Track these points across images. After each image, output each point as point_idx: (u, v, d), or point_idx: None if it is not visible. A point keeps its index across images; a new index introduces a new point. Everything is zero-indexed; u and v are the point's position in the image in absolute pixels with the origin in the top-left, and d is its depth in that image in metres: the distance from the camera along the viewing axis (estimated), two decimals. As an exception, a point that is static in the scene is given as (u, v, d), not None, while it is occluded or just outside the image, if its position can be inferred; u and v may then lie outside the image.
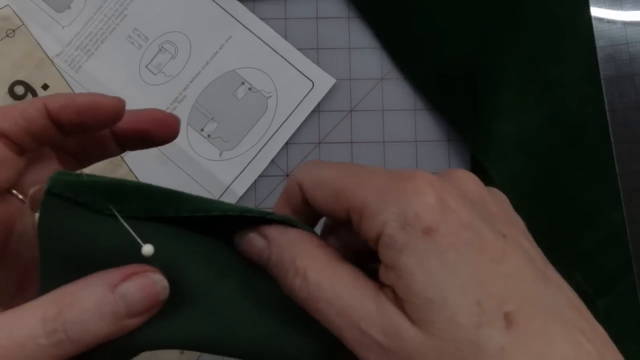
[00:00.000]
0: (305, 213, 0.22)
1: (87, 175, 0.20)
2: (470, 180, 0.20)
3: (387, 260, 0.18)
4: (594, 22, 0.44)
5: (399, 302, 0.18)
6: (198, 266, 0.21)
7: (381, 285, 0.19)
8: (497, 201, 0.21)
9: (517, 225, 0.21)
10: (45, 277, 0.20)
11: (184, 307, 0.21)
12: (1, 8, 0.43)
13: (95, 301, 0.18)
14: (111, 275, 0.19)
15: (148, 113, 0.25)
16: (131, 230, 0.19)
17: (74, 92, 0.43)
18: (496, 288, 0.17)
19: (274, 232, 0.21)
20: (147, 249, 0.19)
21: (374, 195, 0.19)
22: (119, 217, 0.20)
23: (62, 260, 0.20)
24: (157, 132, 0.25)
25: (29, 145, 0.22)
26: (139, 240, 0.19)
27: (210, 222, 0.21)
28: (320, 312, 0.19)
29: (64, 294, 0.19)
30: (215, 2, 0.44)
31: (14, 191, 0.22)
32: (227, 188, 0.43)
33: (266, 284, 0.22)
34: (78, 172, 0.20)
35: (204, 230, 0.22)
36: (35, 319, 0.18)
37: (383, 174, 0.19)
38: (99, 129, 0.24)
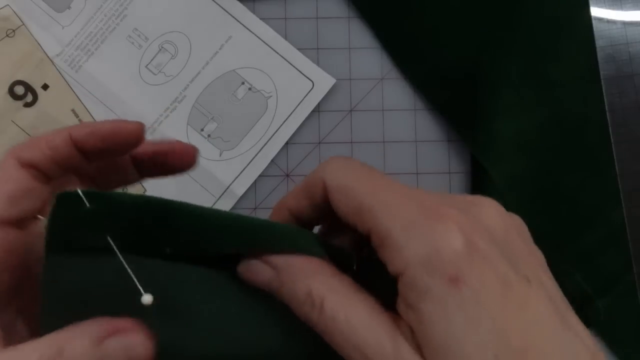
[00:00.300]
0: (321, 208, 0.22)
1: (87, 194, 0.20)
2: (495, 213, 0.20)
3: (407, 300, 0.18)
4: (594, 22, 0.44)
5: (416, 341, 0.18)
6: (199, 298, 0.21)
7: (398, 316, 0.19)
8: (520, 232, 0.21)
9: (538, 261, 0.20)
10: (47, 315, 0.20)
11: (185, 342, 0.21)
12: (1, 8, 0.43)
13: (81, 354, 0.19)
14: (99, 328, 0.19)
15: (169, 143, 0.26)
16: (133, 276, 0.20)
17: (73, 92, 0.43)
18: (516, 340, 0.17)
19: (282, 260, 0.21)
20: (147, 299, 0.20)
21: (401, 227, 0.18)
22: (123, 262, 0.20)
23: (64, 298, 0.20)
24: (176, 159, 0.26)
25: (55, 173, 0.23)
26: (140, 287, 0.20)
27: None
28: (337, 345, 0.19)
29: (59, 339, 0.19)
30: (215, 2, 0.45)
31: (40, 216, 0.23)
32: (227, 188, 0.43)
33: (270, 306, 0.21)
34: (80, 191, 0.20)
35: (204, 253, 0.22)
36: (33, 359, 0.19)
37: (413, 204, 0.19)
38: (121, 153, 0.25)
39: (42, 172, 0.23)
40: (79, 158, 0.23)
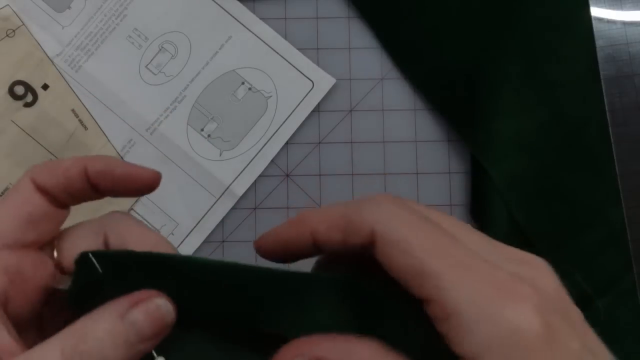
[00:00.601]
0: (356, 249, 0.20)
1: (103, 256, 0.20)
2: (550, 275, 0.19)
3: None
4: (594, 22, 0.44)
5: None
6: None
7: None
8: (565, 291, 0.20)
9: (583, 319, 0.20)
10: None
11: None
12: (1, 8, 0.43)
13: (107, 331, 0.19)
14: (120, 304, 0.20)
15: (133, 169, 0.24)
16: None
17: (73, 92, 0.43)
18: None
19: (333, 353, 0.18)
20: None
21: (471, 304, 0.17)
22: None
23: None
24: (140, 187, 0.24)
25: (67, 201, 0.23)
26: (153, 352, 0.20)
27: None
28: None
29: (80, 326, 0.19)
30: (215, 2, 0.45)
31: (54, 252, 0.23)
32: (227, 188, 0.43)
33: None
34: (93, 253, 0.20)
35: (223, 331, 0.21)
36: (55, 353, 0.19)
37: (484, 277, 0.17)
38: (132, 196, 0.24)
39: (55, 198, 0.23)
40: (91, 191, 0.23)
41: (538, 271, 0.19)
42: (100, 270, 0.20)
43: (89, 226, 0.24)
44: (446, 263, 0.18)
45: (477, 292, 0.17)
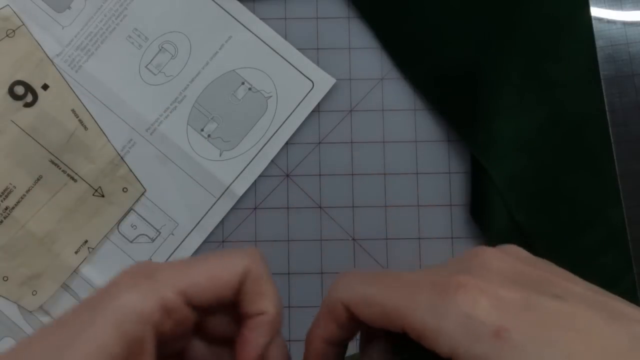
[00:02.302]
0: (351, 325, 0.23)
1: None
2: (496, 255, 0.21)
3: None
4: (594, 22, 0.44)
5: None
6: None
7: None
8: (526, 260, 0.21)
9: (555, 272, 0.21)
10: None
11: None
12: (1, 8, 0.43)
13: None
14: None
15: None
16: None
17: (73, 92, 0.43)
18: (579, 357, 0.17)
19: None
20: None
21: (430, 314, 0.19)
22: None
23: None
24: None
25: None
26: None
27: None
28: None
29: None
30: (215, 2, 0.45)
31: None
32: (227, 188, 0.43)
33: None
34: None
35: None
36: None
37: (427, 287, 0.20)
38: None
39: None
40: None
41: (484, 256, 0.21)
42: None
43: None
44: (402, 297, 0.20)
45: (428, 302, 0.19)
